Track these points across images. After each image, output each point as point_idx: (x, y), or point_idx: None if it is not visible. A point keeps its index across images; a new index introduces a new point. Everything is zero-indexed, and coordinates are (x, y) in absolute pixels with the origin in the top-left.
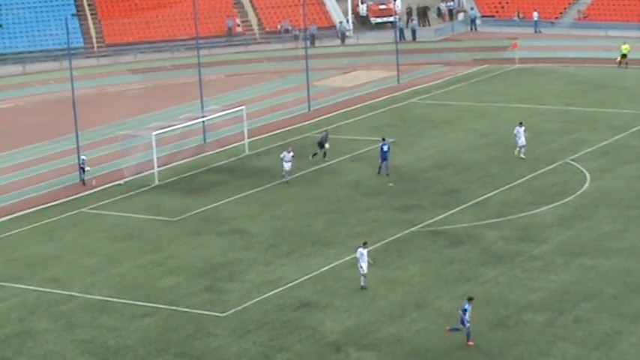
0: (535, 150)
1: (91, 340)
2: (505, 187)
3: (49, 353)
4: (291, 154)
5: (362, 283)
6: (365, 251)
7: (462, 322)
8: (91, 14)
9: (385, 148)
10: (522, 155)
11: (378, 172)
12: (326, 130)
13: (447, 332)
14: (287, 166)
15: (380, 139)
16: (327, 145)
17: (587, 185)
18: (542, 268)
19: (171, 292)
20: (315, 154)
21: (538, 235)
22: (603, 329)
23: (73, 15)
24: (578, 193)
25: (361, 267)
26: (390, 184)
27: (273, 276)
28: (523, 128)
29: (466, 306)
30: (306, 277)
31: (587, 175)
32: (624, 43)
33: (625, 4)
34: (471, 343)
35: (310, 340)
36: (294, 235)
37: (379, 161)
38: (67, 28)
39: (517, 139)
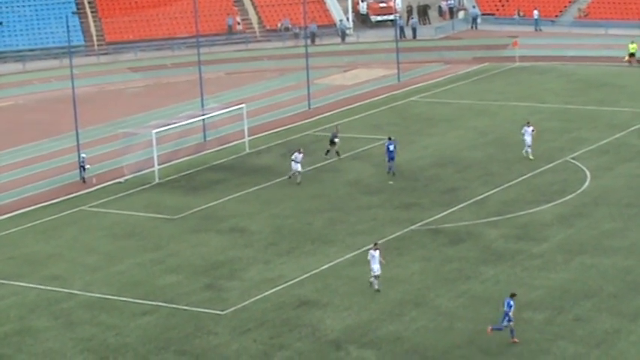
0: (535, 148)
1: (90, 338)
2: (505, 186)
3: (49, 351)
4: (302, 154)
5: (375, 286)
6: (376, 253)
7: (507, 319)
8: (92, 12)
9: (391, 147)
10: (524, 154)
11: (393, 174)
12: (336, 126)
13: (489, 332)
14: (297, 166)
15: (386, 138)
16: (337, 140)
17: (587, 184)
18: (542, 267)
19: (171, 290)
20: (336, 152)
21: (538, 233)
22: (603, 328)
23: (73, 13)
24: (578, 191)
25: (372, 269)
26: (390, 183)
27: (273, 274)
28: (531, 128)
29: (510, 302)
30: (306, 275)
31: (588, 173)
32: (632, 42)
33: (625, 3)
34: (489, 332)
35: (310, 338)
36: (294, 234)
37: (386, 161)
38: (68, 26)
39: (524, 138)
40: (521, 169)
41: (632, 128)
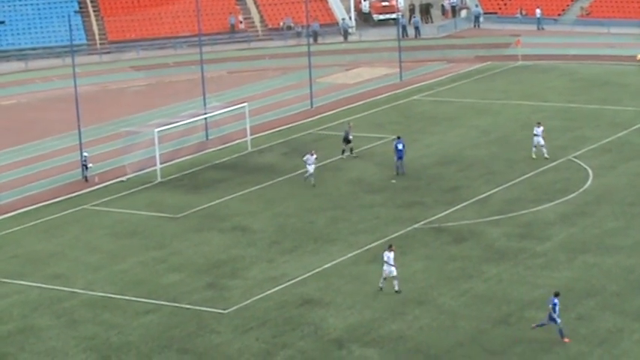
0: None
1: (93, 337)
2: (508, 184)
3: (52, 350)
4: (314, 156)
5: (397, 288)
6: (391, 254)
7: (552, 319)
8: (94, 11)
9: (400, 146)
10: (546, 155)
11: (397, 173)
12: (348, 123)
13: (568, 340)
14: (310, 168)
15: (388, 136)
16: (351, 138)
17: (589, 182)
18: (545, 265)
19: (173, 289)
20: (342, 151)
21: (541, 232)
22: (606, 327)
23: (75, 12)
24: (581, 190)
25: (391, 270)
26: (393, 181)
27: (276, 273)
28: (541, 128)
29: (555, 301)
30: (308, 274)
31: (590, 172)
32: None
33: (627, 1)
34: (567, 339)
35: (313, 337)
36: (296, 232)
37: (395, 160)
38: (70, 25)
39: (535, 139)
40: (524, 168)
41: (635, 127)
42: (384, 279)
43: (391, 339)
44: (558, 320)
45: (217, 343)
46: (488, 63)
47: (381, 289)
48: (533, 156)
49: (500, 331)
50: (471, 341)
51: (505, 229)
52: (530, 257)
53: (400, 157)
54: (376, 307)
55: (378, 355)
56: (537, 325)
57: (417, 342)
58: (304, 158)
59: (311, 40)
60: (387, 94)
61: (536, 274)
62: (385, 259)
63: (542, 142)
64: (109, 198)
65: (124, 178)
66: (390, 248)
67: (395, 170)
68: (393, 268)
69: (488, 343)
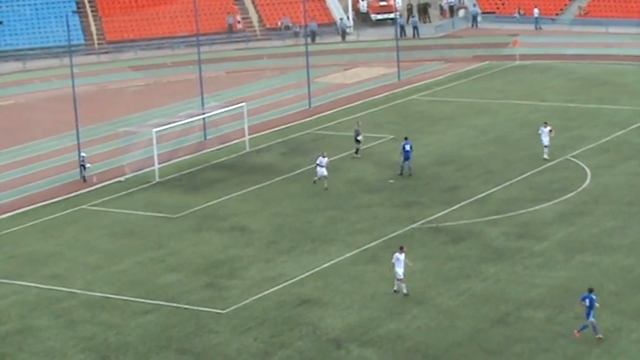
0: (536, 147)
1: (91, 337)
2: (506, 184)
3: (50, 350)
4: (326, 158)
5: (395, 288)
6: (402, 256)
7: (589, 314)
8: (92, 11)
9: (407, 147)
10: (546, 156)
11: (401, 174)
12: (357, 122)
13: (577, 335)
14: (322, 170)
15: (386, 136)
16: (360, 138)
17: (587, 182)
18: (543, 265)
19: (171, 289)
20: (357, 150)
21: (539, 231)
22: (604, 326)
23: (73, 12)
24: (579, 189)
25: (397, 272)
26: (391, 181)
27: (274, 273)
28: (548, 128)
29: (593, 296)
30: (306, 274)
31: (588, 171)
32: None
33: (625, 1)
34: (578, 334)
35: (311, 337)
36: (294, 232)
37: (401, 161)
38: (68, 25)
39: (542, 139)
40: (522, 168)
41: (633, 126)
42: (402, 283)
43: (389, 339)
44: (592, 318)
45: (216, 343)
46: (486, 62)
47: (407, 294)
48: (546, 156)
49: (498, 331)
50: (469, 341)
51: (503, 229)
52: (528, 257)
53: (407, 158)
54: (374, 307)
55: (376, 355)
56: (594, 329)
57: (415, 342)
58: (317, 161)
59: (309, 39)
60: (384, 94)
61: (534, 273)
62: (394, 260)
63: (546, 142)
64: (107, 198)
65: (122, 178)
66: (401, 250)
67: (399, 170)
68: (403, 270)
69: (487, 343)
